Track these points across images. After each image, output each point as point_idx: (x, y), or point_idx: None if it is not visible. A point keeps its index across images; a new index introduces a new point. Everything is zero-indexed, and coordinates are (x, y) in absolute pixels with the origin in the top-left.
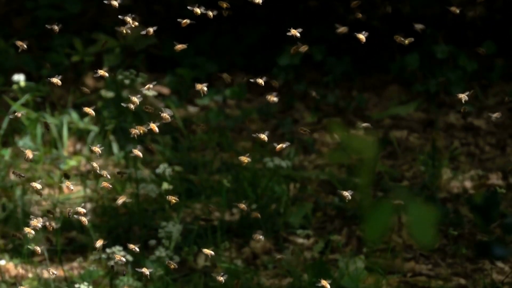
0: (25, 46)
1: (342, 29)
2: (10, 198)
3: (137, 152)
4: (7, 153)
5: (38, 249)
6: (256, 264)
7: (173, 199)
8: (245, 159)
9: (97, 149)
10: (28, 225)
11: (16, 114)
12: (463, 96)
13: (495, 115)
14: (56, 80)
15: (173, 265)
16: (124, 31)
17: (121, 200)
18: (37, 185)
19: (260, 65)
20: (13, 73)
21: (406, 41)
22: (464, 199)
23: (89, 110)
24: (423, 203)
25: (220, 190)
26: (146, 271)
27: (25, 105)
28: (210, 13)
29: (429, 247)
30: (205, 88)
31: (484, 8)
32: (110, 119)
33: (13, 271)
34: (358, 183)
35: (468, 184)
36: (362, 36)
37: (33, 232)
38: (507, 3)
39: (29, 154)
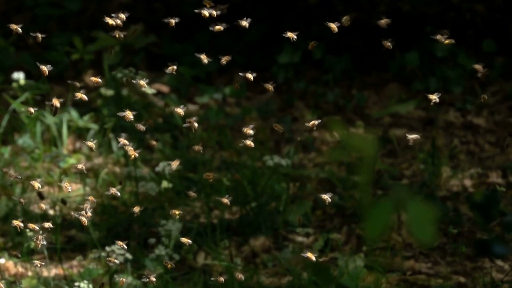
0: (19, 29)
1: (333, 27)
2: (10, 196)
3: (131, 150)
4: (6, 151)
5: (39, 241)
6: (256, 262)
7: (176, 212)
8: (210, 175)
9: (91, 143)
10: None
11: (29, 109)
12: (434, 97)
13: None
14: (45, 68)
15: (170, 265)
16: (117, 35)
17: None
18: (37, 184)
19: (260, 63)
20: (12, 71)
21: (446, 41)
22: (464, 197)
23: (81, 95)
24: (423, 201)
25: (220, 188)
26: (152, 279)
27: (24, 103)
28: (214, 12)
29: (429, 245)
30: (196, 124)
31: (484, 7)
32: (110, 117)
33: (12, 270)
34: (358, 181)
35: (467, 182)
36: (333, 25)
37: (21, 224)
38: (507, 1)
39: None
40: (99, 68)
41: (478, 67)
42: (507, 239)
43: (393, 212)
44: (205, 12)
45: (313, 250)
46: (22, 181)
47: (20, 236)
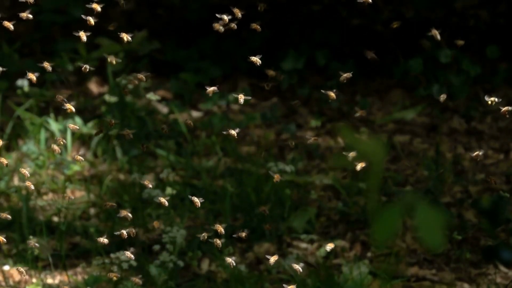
0: None
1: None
2: (15, 203)
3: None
4: (11, 158)
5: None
6: (260, 269)
7: (156, 225)
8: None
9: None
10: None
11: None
12: (443, 96)
13: None
14: (33, 76)
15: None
16: (126, 38)
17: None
18: (25, 171)
19: (263, 70)
20: (17, 78)
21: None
22: (468, 203)
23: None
24: (430, 206)
25: (224, 195)
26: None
27: (29, 110)
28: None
29: (437, 250)
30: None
31: (487, 12)
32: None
33: (17, 276)
34: (363, 188)
35: (471, 188)
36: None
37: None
38: (510, 7)
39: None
40: (103, 75)
41: None
42: None
43: (400, 218)
44: (226, 18)
45: (318, 257)
46: (26, 187)
47: (24, 243)
